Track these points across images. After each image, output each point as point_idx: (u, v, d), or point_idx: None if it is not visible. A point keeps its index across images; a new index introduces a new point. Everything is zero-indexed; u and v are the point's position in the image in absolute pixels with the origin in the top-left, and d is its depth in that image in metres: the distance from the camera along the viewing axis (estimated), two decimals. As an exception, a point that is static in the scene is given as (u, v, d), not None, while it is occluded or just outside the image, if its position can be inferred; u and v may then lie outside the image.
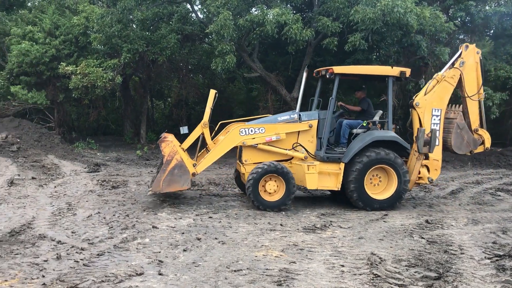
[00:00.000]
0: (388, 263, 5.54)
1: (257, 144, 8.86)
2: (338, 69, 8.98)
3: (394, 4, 13.22)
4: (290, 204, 8.75)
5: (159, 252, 5.85)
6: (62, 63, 17.79)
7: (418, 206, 9.26)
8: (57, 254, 5.57)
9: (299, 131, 9.06)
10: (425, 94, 9.14)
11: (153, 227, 7.02)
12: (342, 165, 8.67)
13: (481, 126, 9.50)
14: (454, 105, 9.57)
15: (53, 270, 5.10)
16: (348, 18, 14.74)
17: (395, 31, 14.57)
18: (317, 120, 9.03)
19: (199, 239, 6.46)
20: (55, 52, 18.62)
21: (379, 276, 5.10)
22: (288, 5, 18.51)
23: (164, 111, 28.15)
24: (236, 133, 8.88)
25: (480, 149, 9.56)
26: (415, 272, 5.25)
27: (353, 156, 8.63)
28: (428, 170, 9.09)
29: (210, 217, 7.78)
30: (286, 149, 8.96)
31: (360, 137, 8.82)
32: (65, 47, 18.98)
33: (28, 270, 5.07)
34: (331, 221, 7.69)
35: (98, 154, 17.37)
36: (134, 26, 19.06)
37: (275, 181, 8.55)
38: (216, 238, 6.52)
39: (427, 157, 8.99)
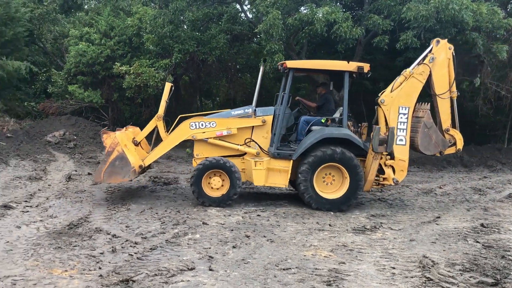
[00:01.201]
0: (441, 267, 5.39)
1: (207, 139, 8.79)
2: (291, 64, 8.87)
3: (449, 1, 12.79)
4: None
5: (209, 248, 5.96)
6: (116, 63, 18.41)
7: (472, 209, 8.94)
8: (112, 247, 5.80)
9: (253, 127, 8.89)
10: (391, 91, 8.75)
11: (203, 223, 7.16)
12: (290, 162, 8.48)
13: (454, 126, 9.04)
14: (422, 102, 9.06)
15: (109, 262, 5.31)
16: (399, 16, 14.40)
17: (449, 28, 14.08)
18: (271, 116, 8.84)
19: (248, 236, 6.53)
20: (110, 52, 19.30)
21: (431, 279, 4.97)
22: (338, 3, 18.30)
23: (212, 110, 28.58)
24: (186, 127, 8.82)
25: (451, 150, 9.06)
26: (470, 277, 5.08)
27: (304, 154, 8.40)
28: (394, 171, 8.71)
29: (258, 215, 7.84)
30: (238, 145, 8.82)
31: (312, 134, 8.58)
32: (119, 48, 19.63)
33: (86, 262, 5.30)
34: (381, 223, 7.57)
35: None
36: (185, 27, 19.42)
37: (219, 176, 8.47)
38: (264, 236, 6.57)
39: (392, 157, 8.64)
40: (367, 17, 15.41)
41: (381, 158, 8.56)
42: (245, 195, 9.52)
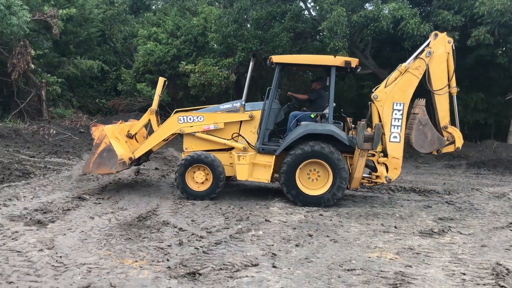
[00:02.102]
0: (516, 276, 5.12)
1: (195, 133, 8.80)
2: (277, 58, 8.71)
3: (528, -6, 12.10)
4: (400, 205, 8.45)
5: (272, 245, 6.01)
6: (182, 62, 18.96)
7: (551, 216, 8.39)
8: (179, 240, 5.98)
9: (241, 121, 8.85)
10: (385, 87, 8.40)
11: (266, 220, 7.22)
12: (271, 157, 8.42)
13: (454, 123, 8.58)
14: (420, 98, 8.65)
15: (176, 255, 5.49)
16: (471, 11, 13.78)
17: (527, 23, 13.33)
18: (259, 111, 8.70)
19: (310, 235, 6.51)
20: (176, 51, 19.91)
21: (506, 288, 4.74)
22: (405, -1, 17.80)
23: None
24: (174, 120, 8.91)
25: (449, 148, 8.61)
26: (549, 288, 4.78)
27: (288, 149, 8.29)
28: (387, 169, 8.41)
29: (320, 215, 7.79)
30: (225, 139, 8.81)
31: (295, 129, 8.46)
32: (185, 47, 20.20)
33: (155, 253, 5.51)
34: (449, 226, 7.28)
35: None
36: (249, 26, 19.65)
37: (203, 170, 8.51)
38: (327, 236, 6.52)
39: (386, 155, 8.36)
40: (436, 12, 14.89)
41: (375, 155, 8.40)
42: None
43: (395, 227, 7.13)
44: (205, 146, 8.94)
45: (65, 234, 6.11)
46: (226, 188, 9.83)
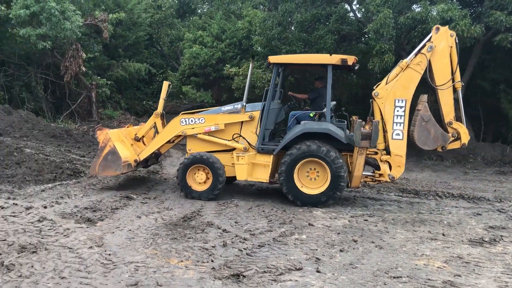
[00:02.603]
0: None
1: (197, 134, 8.95)
2: (274, 59, 8.77)
3: None
4: (448, 212, 8.19)
5: (316, 249, 5.97)
6: (226, 65, 19.16)
7: None
8: (223, 241, 6.05)
9: (242, 122, 8.93)
10: (386, 83, 8.22)
11: (309, 224, 7.17)
12: (269, 157, 8.51)
13: (459, 119, 8.30)
14: (423, 94, 8.39)
15: (220, 256, 5.55)
16: (527, 11, 13.21)
17: None
18: (259, 111, 8.73)
19: (355, 241, 6.42)
20: (221, 54, 20.15)
21: None
22: (455, 0, 17.27)
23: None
24: (176, 123, 9.12)
25: (455, 145, 8.35)
26: None
27: (286, 149, 8.33)
28: (390, 167, 8.24)
29: (365, 220, 7.67)
30: (226, 140, 8.93)
31: (293, 129, 8.49)
32: (230, 50, 20.42)
33: (199, 254, 5.60)
34: (501, 236, 6.99)
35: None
36: (293, 28, 19.62)
37: (204, 170, 8.67)
38: (372, 242, 6.41)
39: (388, 153, 8.24)
40: (487, 13, 14.34)
41: (377, 153, 8.32)
42: (351, 199, 9.37)
43: (443, 235, 6.92)
44: (208, 147, 9.09)
45: (113, 232, 6.31)
46: (269, 191, 9.87)
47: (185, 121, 9.13)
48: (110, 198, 8.38)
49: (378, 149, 8.33)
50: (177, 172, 8.92)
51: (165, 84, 9.71)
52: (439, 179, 12.43)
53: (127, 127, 9.98)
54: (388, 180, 8.37)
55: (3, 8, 15.68)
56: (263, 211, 7.96)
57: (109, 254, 5.39)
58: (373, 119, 8.33)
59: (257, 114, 8.85)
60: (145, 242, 5.98)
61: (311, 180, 8.41)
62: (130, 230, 6.47)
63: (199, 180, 8.78)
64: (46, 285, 4.52)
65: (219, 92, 21.04)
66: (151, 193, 9.01)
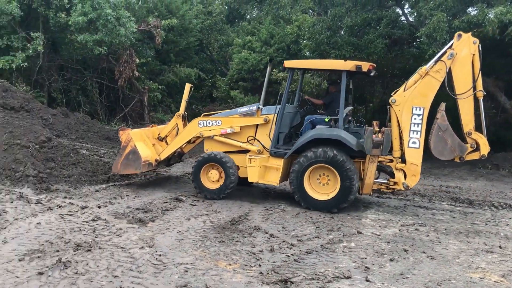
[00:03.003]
0: None
1: (213, 136, 9.16)
2: (289, 63, 8.89)
3: None
4: (506, 224, 7.81)
5: (365, 258, 5.86)
6: (274, 69, 19.21)
7: None
8: (270, 246, 6.05)
9: (257, 125, 8.99)
10: (404, 90, 8.05)
11: (358, 232, 7.06)
12: (281, 161, 8.57)
13: (479, 129, 7.97)
14: (442, 103, 8.15)
15: (268, 261, 5.56)
16: None
17: None
18: (274, 115, 8.76)
19: (406, 250, 6.26)
20: (269, 59, 20.22)
21: None
22: (514, 2, 16.54)
23: (365, 116, 28.06)
24: (195, 124, 9.35)
25: (474, 156, 8.06)
26: None
27: (298, 153, 8.38)
28: (405, 176, 8.09)
29: (416, 229, 7.45)
30: (241, 142, 9.05)
31: (305, 133, 8.52)
32: (278, 55, 20.46)
33: (247, 258, 5.63)
34: None
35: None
36: (342, 33, 19.44)
37: (217, 169, 8.89)
38: (424, 252, 6.22)
39: (403, 161, 8.08)
40: (551, 16, 13.63)
41: (393, 161, 8.21)
42: (401, 207, 9.13)
43: (500, 247, 6.63)
44: (224, 148, 9.25)
45: (163, 234, 6.45)
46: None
47: (203, 123, 9.35)
48: (160, 199, 8.58)
49: (394, 157, 8.25)
50: (192, 168, 9.22)
51: (187, 86, 9.92)
52: (494, 188, 11.91)
53: (151, 126, 10.30)
54: (402, 189, 8.30)
55: (63, 15, 16.44)
56: (311, 217, 7.90)
57: (160, 255, 5.52)
58: (391, 126, 8.26)
59: (272, 117, 8.89)
60: (194, 244, 6.08)
61: (322, 186, 8.42)
62: (179, 231, 6.59)
63: (212, 179, 9.01)
64: (100, 283, 4.68)
65: (266, 96, 21.09)
66: (200, 195, 9.13)
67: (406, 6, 18.99)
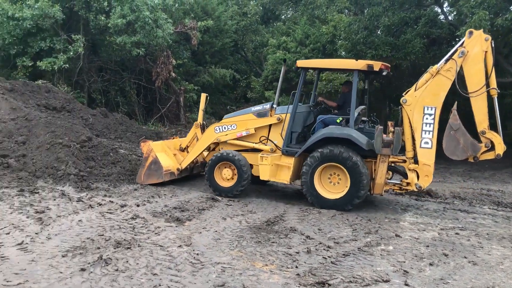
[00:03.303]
0: None
1: (229, 140, 9.44)
2: (301, 63, 9.05)
3: None
4: None
5: (404, 262, 5.76)
6: (309, 70, 19.10)
7: None
8: (307, 248, 6.02)
9: (270, 125, 9.14)
10: (415, 90, 8.00)
11: (396, 235, 6.93)
12: (292, 159, 8.70)
13: (494, 128, 7.79)
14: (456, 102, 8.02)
15: (304, 262, 5.53)
16: None
17: None
18: (287, 114, 8.86)
19: (446, 255, 6.11)
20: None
21: None
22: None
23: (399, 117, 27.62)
24: (211, 131, 9.58)
25: (489, 155, 7.89)
26: None
27: (308, 152, 8.49)
28: (418, 176, 8.04)
29: (456, 233, 7.26)
30: (254, 143, 9.24)
31: (316, 133, 8.60)
32: (313, 55, 20.33)
33: (284, 259, 5.62)
34: None
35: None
36: (379, 32, 19.14)
37: (230, 167, 9.10)
38: (465, 257, 6.06)
39: (416, 161, 8.06)
40: None
41: (406, 161, 8.21)
42: (440, 210, 8.92)
43: (546, 254, 6.38)
44: (240, 148, 9.46)
45: (200, 233, 6.52)
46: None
47: (219, 128, 9.57)
48: (197, 199, 8.68)
49: (407, 158, 8.22)
50: (205, 171, 9.36)
51: (203, 96, 10.12)
52: (539, 193, 11.47)
53: (173, 138, 10.73)
54: (415, 190, 8.23)
55: (102, 18, 16.86)
56: (347, 219, 7.81)
57: (197, 254, 5.58)
58: (403, 126, 8.25)
59: (285, 116, 8.98)
60: (230, 243, 6.12)
61: (333, 185, 8.50)
62: (216, 231, 6.65)
63: (226, 177, 9.20)
64: (139, 280, 4.77)
65: (301, 97, 21.03)
66: (235, 196, 9.17)
67: (446, 5, 18.56)
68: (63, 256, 5.28)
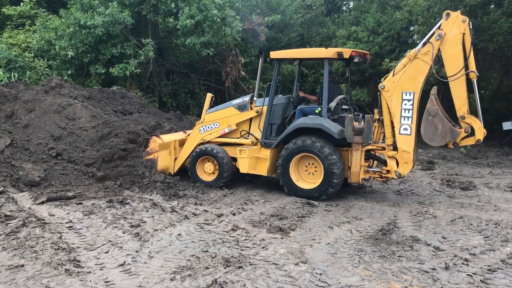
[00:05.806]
0: None
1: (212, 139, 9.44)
2: (274, 54, 8.97)
3: None
4: None
5: None
6: (385, 59, 17.97)
7: None
8: (444, 263, 5.16)
9: (251, 118, 9.12)
10: (393, 76, 7.82)
11: (540, 243, 5.92)
12: (268, 151, 8.73)
13: (475, 112, 7.62)
14: (435, 87, 7.79)
15: (448, 282, 4.70)
16: None
17: None
18: (265, 106, 8.83)
19: None
20: (378, 49, 19.01)
21: None
22: None
23: (482, 105, 25.66)
24: (196, 132, 9.61)
25: (469, 141, 7.71)
26: None
27: (285, 143, 8.55)
28: (397, 164, 7.89)
29: None
30: (235, 138, 9.27)
31: (291, 124, 8.58)
32: (387, 44, 19.18)
33: (421, 278, 4.81)
34: None
35: (419, 150, 16.76)
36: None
37: (212, 161, 9.19)
38: None
39: (395, 148, 7.96)
40: None
41: (385, 149, 8.15)
42: None
43: None
44: (225, 146, 9.41)
45: (311, 246, 5.83)
46: (464, 199, 8.59)
47: (203, 128, 9.57)
48: (292, 204, 8.00)
49: (386, 145, 8.12)
50: (188, 162, 9.43)
51: (208, 96, 9.90)
52: None
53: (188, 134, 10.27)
54: (395, 177, 8.03)
55: (171, 20, 16.61)
56: (471, 223, 6.85)
57: (320, 274, 4.88)
58: (381, 113, 8.16)
59: (264, 109, 8.93)
60: (350, 259, 5.37)
61: (310, 175, 8.50)
62: (328, 243, 5.93)
63: (207, 171, 9.29)
64: (264, 308, 4.13)
65: (375, 89, 19.88)
66: (332, 200, 8.39)
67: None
68: (171, 280, 4.74)
